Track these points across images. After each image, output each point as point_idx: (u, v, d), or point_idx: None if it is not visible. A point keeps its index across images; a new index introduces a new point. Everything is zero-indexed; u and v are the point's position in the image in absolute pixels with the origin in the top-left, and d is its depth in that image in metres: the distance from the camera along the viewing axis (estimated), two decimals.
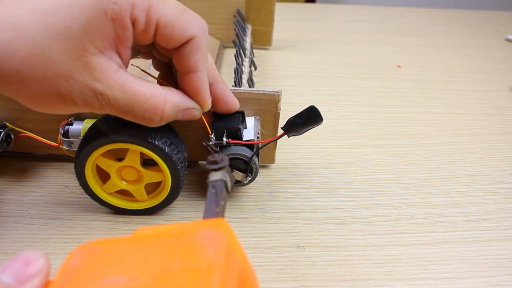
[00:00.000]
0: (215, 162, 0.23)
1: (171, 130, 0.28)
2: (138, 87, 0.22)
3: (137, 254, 0.16)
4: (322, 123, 0.28)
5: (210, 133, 0.28)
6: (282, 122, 0.33)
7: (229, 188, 0.23)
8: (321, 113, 0.27)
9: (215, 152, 0.25)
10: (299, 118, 0.28)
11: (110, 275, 0.15)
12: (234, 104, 0.28)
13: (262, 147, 0.32)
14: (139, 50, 0.26)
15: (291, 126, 0.28)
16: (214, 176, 0.22)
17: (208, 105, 0.26)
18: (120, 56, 0.22)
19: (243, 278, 0.16)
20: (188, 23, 0.23)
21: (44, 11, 0.19)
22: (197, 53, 0.24)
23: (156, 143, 0.26)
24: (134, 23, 0.21)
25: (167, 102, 0.23)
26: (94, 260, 0.16)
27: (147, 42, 0.23)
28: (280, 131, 0.29)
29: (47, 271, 0.15)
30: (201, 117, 0.27)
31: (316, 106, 0.27)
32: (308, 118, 0.28)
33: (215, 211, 0.20)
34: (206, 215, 0.20)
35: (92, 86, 0.21)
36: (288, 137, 0.29)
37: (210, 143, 0.28)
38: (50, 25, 0.19)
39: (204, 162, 0.36)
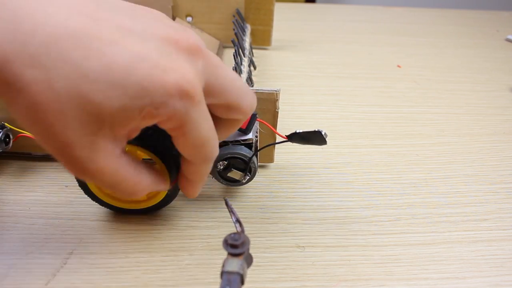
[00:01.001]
0: (235, 246, 0.20)
1: None
2: (128, 175, 0.21)
3: None
4: (326, 144, 0.28)
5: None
6: (281, 121, 0.33)
7: (245, 279, 0.20)
8: (326, 138, 0.27)
9: (238, 226, 0.22)
10: (304, 135, 0.28)
11: None
12: (188, 195, 0.26)
13: (262, 148, 0.32)
14: None
15: (295, 137, 0.28)
16: (230, 266, 0.20)
17: (193, 197, 0.26)
18: (129, 135, 0.21)
19: None
20: (198, 155, 0.22)
21: (83, 75, 0.17)
22: (196, 173, 0.24)
23: (154, 142, 0.26)
24: (158, 123, 0.20)
25: (146, 189, 0.23)
26: None
27: None
28: (281, 131, 0.29)
29: None
30: None
31: (322, 131, 0.27)
32: (312, 138, 0.28)
33: None
34: None
35: (86, 165, 0.19)
36: (292, 143, 0.29)
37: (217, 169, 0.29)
38: (82, 91, 0.17)
39: None
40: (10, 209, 0.31)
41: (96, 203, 0.30)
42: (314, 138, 0.28)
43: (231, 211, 0.24)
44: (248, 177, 0.30)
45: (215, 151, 0.23)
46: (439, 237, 0.30)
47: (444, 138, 0.43)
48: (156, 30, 0.19)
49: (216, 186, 0.34)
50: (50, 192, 0.32)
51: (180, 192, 0.30)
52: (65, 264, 0.27)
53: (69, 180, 0.33)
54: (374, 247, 0.29)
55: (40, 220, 0.30)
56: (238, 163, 0.30)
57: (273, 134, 0.33)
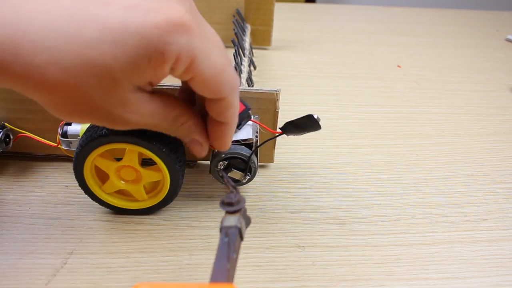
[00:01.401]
0: (230, 204, 0.21)
1: None
2: (167, 109, 0.22)
3: None
4: (320, 129, 0.28)
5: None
6: (281, 121, 0.33)
7: (244, 235, 0.21)
8: (319, 122, 0.27)
9: (232, 189, 0.23)
10: (296, 122, 0.28)
11: None
12: (221, 148, 0.27)
13: (260, 145, 0.32)
14: None
15: (288, 127, 0.28)
16: (228, 221, 0.21)
17: (223, 148, 0.26)
18: (151, 84, 0.22)
19: None
20: (221, 84, 0.22)
21: (85, 44, 0.18)
22: (227, 111, 0.23)
23: (154, 142, 0.26)
24: (172, 71, 0.21)
25: (191, 120, 0.24)
26: None
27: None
28: (282, 136, 0.29)
29: None
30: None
31: (313, 115, 0.27)
32: (306, 124, 0.28)
33: (226, 268, 0.18)
34: (215, 276, 0.18)
35: (126, 117, 0.21)
36: (287, 135, 0.29)
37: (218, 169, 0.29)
38: (89, 59, 0.18)
39: (203, 162, 0.36)
40: (10, 209, 0.31)
41: (96, 203, 0.30)
42: (308, 124, 0.27)
43: (227, 181, 0.26)
44: (248, 177, 0.30)
45: (236, 78, 0.23)
46: (439, 237, 0.30)
47: (444, 138, 0.43)
48: None
49: (216, 186, 0.34)
50: (50, 192, 0.32)
51: (180, 192, 0.30)
52: (65, 264, 0.27)
53: (69, 180, 0.33)
54: (374, 247, 0.29)
55: (40, 220, 0.30)
56: (238, 163, 0.30)
57: (274, 133, 0.33)
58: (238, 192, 0.23)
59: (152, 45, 0.18)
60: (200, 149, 0.26)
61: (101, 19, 0.18)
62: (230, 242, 0.20)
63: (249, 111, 0.28)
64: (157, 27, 0.18)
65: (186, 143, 0.26)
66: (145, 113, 0.21)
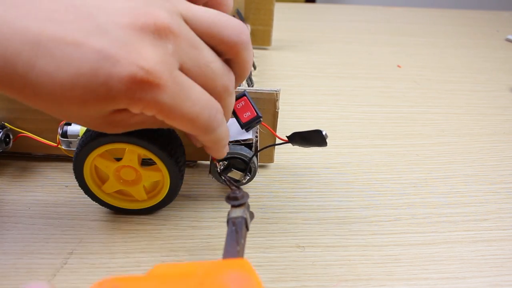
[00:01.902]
0: (235, 198, 0.23)
1: (168, 128, 0.28)
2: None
3: None
4: (326, 146, 0.28)
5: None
6: (281, 121, 0.33)
7: (249, 225, 0.22)
8: (327, 139, 0.27)
9: (235, 188, 0.25)
10: (304, 134, 0.28)
11: None
12: (217, 158, 0.27)
13: (262, 149, 0.32)
14: None
15: (295, 137, 0.28)
16: (235, 213, 0.22)
17: (220, 158, 0.27)
18: None
19: None
20: (196, 130, 0.22)
21: (61, 84, 0.18)
22: (213, 145, 0.24)
23: (154, 142, 0.26)
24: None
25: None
26: None
27: None
28: (280, 131, 0.29)
29: None
30: None
31: (322, 131, 0.27)
32: (313, 138, 0.28)
33: (236, 249, 0.20)
34: (227, 254, 0.19)
35: (115, 130, 0.22)
36: (293, 145, 0.29)
37: (217, 169, 0.29)
38: (65, 97, 0.19)
39: (203, 162, 0.36)
40: (10, 209, 0.31)
41: (96, 203, 0.30)
42: (314, 138, 0.28)
43: (229, 181, 0.28)
44: (248, 177, 0.30)
45: (213, 120, 0.22)
46: (439, 237, 0.30)
47: (444, 138, 0.43)
48: (122, 18, 0.19)
49: (216, 186, 0.34)
50: (50, 192, 0.32)
51: (180, 192, 0.31)
52: (65, 264, 0.27)
53: (69, 180, 0.33)
54: (374, 247, 0.29)
55: (40, 220, 0.30)
56: (238, 163, 0.30)
57: (272, 132, 0.33)
58: (241, 190, 0.24)
59: (118, 98, 0.19)
60: (216, 154, 0.26)
61: (75, 63, 0.18)
62: (238, 229, 0.21)
63: (260, 119, 0.28)
64: (121, 82, 0.19)
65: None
66: (134, 123, 0.22)
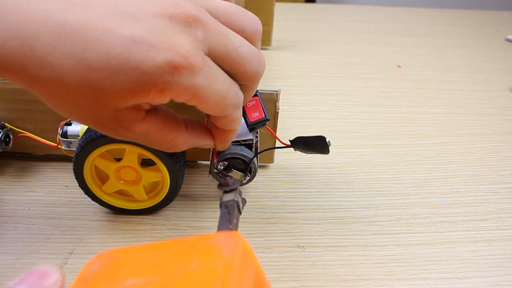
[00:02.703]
0: (227, 185, 0.24)
1: None
2: (161, 132, 0.22)
3: (155, 258, 0.16)
4: (328, 153, 0.28)
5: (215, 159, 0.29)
6: (281, 121, 0.33)
7: (241, 208, 0.23)
8: (329, 146, 0.27)
9: (226, 176, 0.26)
10: (307, 140, 0.28)
11: (128, 278, 0.15)
12: (221, 149, 0.27)
13: (263, 151, 0.32)
14: None
15: (298, 142, 0.29)
16: (226, 197, 0.23)
17: (224, 149, 0.27)
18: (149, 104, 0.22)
19: (258, 282, 0.16)
20: (224, 108, 0.22)
21: (88, 65, 0.18)
22: (231, 124, 0.24)
23: None
24: (173, 100, 0.21)
25: (186, 142, 0.24)
26: (112, 265, 0.16)
27: None
28: (281, 131, 0.29)
29: (62, 284, 0.15)
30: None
31: (326, 138, 0.27)
32: (316, 144, 0.28)
33: (229, 227, 0.20)
34: (220, 229, 0.20)
35: (119, 132, 0.21)
36: (295, 150, 0.29)
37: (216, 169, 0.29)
38: (89, 80, 0.18)
39: (203, 162, 0.36)
40: (10, 209, 0.31)
41: (96, 203, 0.30)
42: (317, 144, 0.28)
43: (222, 175, 0.29)
44: (248, 178, 0.30)
45: (240, 96, 0.23)
46: (439, 237, 0.30)
47: (444, 138, 0.43)
48: (150, 7, 0.19)
49: (216, 186, 0.34)
50: (50, 192, 0.32)
51: (180, 192, 0.31)
52: (65, 264, 0.27)
53: (69, 180, 0.33)
54: (374, 247, 0.29)
55: (40, 220, 0.30)
56: (238, 164, 0.30)
57: (273, 134, 0.33)
58: (232, 177, 0.25)
59: (152, 81, 0.19)
60: (226, 141, 0.26)
61: (104, 46, 0.18)
62: (230, 211, 0.22)
63: (267, 121, 0.28)
64: (157, 66, 0.18)
65: None
66: (138, 131, 0.21)
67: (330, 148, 0.27)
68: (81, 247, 0.28)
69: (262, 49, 0.62)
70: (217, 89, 0.21)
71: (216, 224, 0.30)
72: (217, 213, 0.31)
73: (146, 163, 0.30)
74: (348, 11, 0.87)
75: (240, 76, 0.23)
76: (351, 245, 0.29)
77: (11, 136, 0.33)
